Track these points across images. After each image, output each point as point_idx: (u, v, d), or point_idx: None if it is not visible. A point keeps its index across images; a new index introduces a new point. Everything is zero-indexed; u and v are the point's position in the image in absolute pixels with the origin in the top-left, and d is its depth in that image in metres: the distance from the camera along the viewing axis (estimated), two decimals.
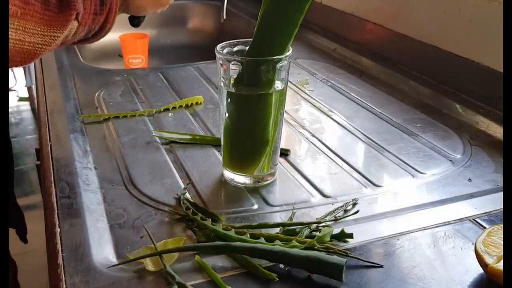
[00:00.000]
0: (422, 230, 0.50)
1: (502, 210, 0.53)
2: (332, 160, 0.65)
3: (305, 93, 0.87)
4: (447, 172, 0.62)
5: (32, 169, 2.19)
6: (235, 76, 0.55)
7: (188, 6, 1.54)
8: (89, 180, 0.59)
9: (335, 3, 1.17)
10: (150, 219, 0.52)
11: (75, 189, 0.56)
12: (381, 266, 0.45)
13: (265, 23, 0.54)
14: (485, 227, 0.50)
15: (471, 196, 0.57)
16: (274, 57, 0.54)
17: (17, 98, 3.02)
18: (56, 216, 0.51)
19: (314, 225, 0.50)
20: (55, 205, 0.53)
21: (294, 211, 0.54)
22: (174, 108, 0.80)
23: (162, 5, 0.66)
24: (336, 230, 0.48)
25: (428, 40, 0.89)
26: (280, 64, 0.54)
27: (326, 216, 0.53)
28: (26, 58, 0.47)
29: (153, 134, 0.71)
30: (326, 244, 0.46)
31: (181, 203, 0.54)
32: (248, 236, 0.48)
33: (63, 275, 0.43)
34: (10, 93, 2.92)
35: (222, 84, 0.57)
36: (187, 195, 0.57)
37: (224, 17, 1.33)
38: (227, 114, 0.57)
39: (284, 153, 0.66)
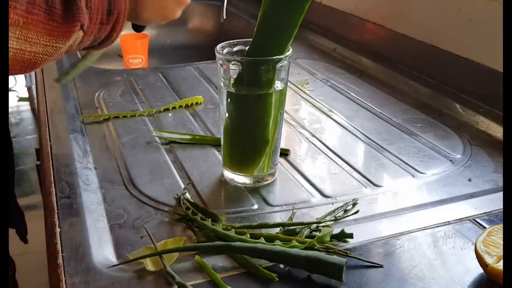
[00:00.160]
0: (422, 230, 0.50)
1: (502, 210, 0.53)
2: (332, 160, 0.65)
3: (305, 93, 0.87)
4: (447, 172, 0.62)
5: (32, 169, 2.18)
6: (235, 76, 0.55)
7: (187, 6, 1.53)
8: (89, 180, 0.59)
9: (334, 3, 1.17)
10: (150, 219, 0.52)
11: (75, 189, 0.56)
12: (381, 266, 0.45)
13: (265, 23, 0.54)
14: (485, 227, 0.50)
15: (471, 196, 0.57)
16: (274, 57, 0.54)
17: (17, 98, 3.02)
18: (56, 216, 0.51)
19: (314, 225, 0.50)
20: (55, 205, 0.53)
21: (294, 211, 0.54)
22: (174, 108, 0.80)
23: (168, 19, 0.65)
24: (336, 230, 0.48)
25: (428, 40, 0.89)
26: (280, 64, 0.54)
27: (326, 216, 0.53)
28: (26, 67, 0.47)
29: (153, 134, 0.71)
30: (326, 244, 0.46)
31: (181, 203, 0.54)
32: (248, 236, 0.48)
33: (63, 275, 0.43)
34: (10, 93, 2.92)
35: (222, 84, 0.57)
36: (187, 195, 0.57)
37: (224, 17, 1.33)
38: (227, 114, 0.57)
39: (284, 153, 0.66)
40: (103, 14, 0.52)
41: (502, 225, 0.46)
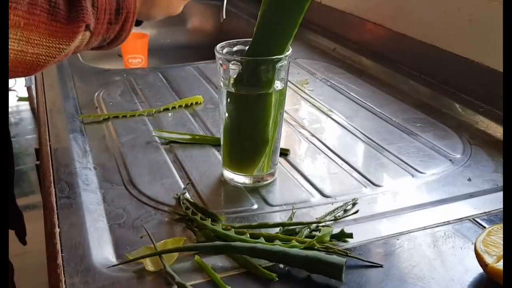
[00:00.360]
0: (422, 229, 0.50)
1: (502, 209, 0.53)
2: (332, 160, 0.65)
3: (305, 92, 0.87)
4: (447, 172, 0.62)
5: (31, 169, 2.18)
6: (234, 76, 0.55)
7: (187, 6, 1.53)
8: (88, 180, 0.59)
9: (334, 3, 1.17)
10: (149, 219, 0.52)
11: (74, 189, 0.56)
12: (381, 266, 0.45)
13: (264, 23, 0.54)
14: (484, 227, 0.50)
15: (470, 195, 0.57)
16: (274, 57, 0.54)
17: (17, 98, 3.02)
18: (55, 216, 0.51)
19: (314, 225, 0.50)
20: (55, 205, 0.53)
21: (294, 211, 0.54)
22: (173, 108, 0.80)
23: (171, 14, 0.65)
24: (336, 230, 0.48)
25: (428, 40, 0.89)
26: (280, 64, 0.54)
27: (325, 216, 0.53)
28: (29, 69, 0.45)
29: (153, 134, 0.71)
30: (325, 244, 0.46)
31: (181, 203, 0.54)
32: (248, 236, 0.47)
33: (63, 275, 0.43)
34: (9, 93, 2.92)
35: (221, 84, 0.57)
36: (187, 195, 0.57)
37: (224, 17, 1.33)
38: (226, 114, 0.57)
39: (284, 153, 0.66)
40: (111, 13, 0.51)
41: (501, 225, 0.46)
